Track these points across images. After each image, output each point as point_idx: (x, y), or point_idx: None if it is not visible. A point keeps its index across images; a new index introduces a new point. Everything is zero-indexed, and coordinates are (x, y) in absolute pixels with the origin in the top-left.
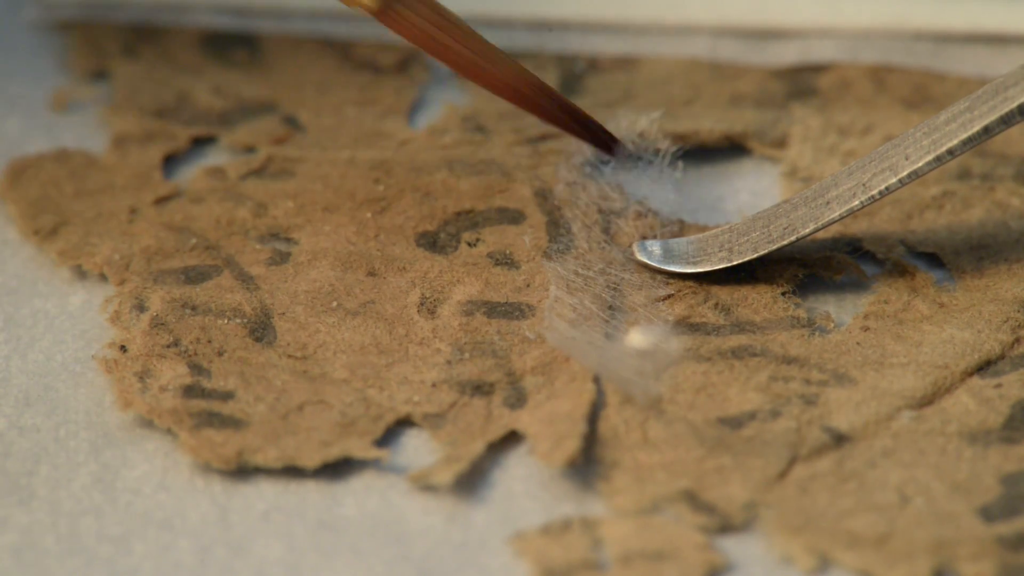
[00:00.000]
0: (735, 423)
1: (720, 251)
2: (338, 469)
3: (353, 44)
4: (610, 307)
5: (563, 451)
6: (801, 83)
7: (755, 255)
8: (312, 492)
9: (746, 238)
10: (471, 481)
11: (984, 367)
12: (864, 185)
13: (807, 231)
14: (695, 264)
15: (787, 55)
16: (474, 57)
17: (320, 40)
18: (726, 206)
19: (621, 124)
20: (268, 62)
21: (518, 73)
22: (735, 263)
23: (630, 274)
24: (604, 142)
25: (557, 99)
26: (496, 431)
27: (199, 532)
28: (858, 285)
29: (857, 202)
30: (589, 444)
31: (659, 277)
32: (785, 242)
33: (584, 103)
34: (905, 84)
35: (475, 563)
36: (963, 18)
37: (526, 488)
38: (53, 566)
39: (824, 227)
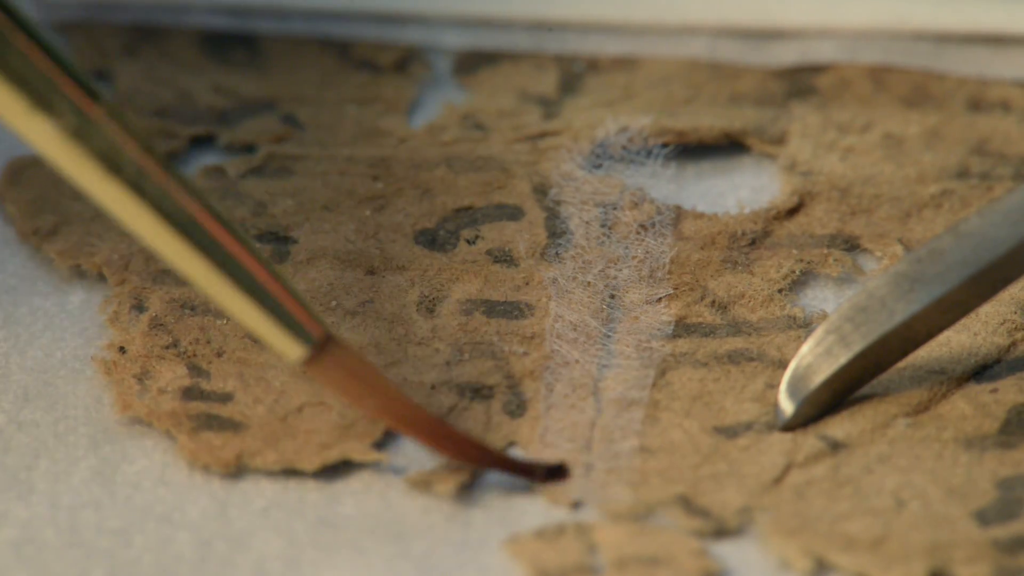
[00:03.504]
0: (731, 432)
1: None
2: (338, 467)
3: (352, 43)
4: (610, 320)
5: (568, 495)
6: (800, 83)
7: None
8: (312, 489)
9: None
10: (470, 481)
11: (980, 371)
12: None
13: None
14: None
15: (787, 55)
16: (398, 417)
17: (319, 39)
18: (726, 201)
19: (611, 128)
20: (267, 61)
21: (446, 432)
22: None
23: (629, 271)
24: (552, 476)
25: (492, 453)
26: (496, 441)
27: (199, 526)
28: (856, 283)
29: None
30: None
31: (657, 275)
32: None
33: (584, 103)
34: (904, 84)
35: (474, 562)
36: (962, 18)
37: (525, 489)
38: (53, 560)
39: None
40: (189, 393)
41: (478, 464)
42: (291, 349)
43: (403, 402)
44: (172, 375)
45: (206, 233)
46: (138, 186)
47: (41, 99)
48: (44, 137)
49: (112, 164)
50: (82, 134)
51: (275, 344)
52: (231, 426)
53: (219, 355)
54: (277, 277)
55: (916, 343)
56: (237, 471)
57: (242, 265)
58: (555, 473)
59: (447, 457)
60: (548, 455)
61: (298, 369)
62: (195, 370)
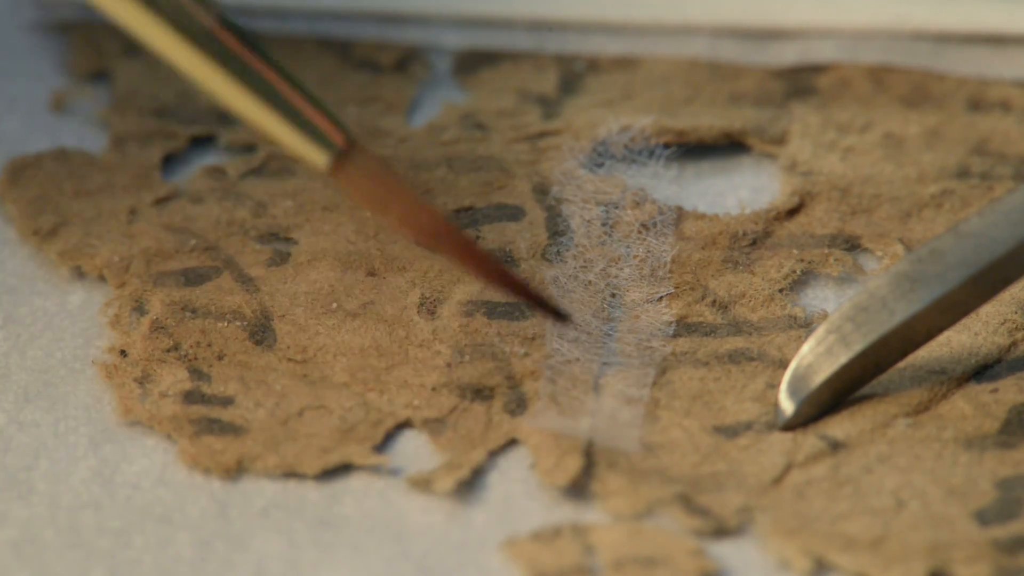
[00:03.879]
0: (731, 432)
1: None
2: (338, 468)
3: (352, 43)
4: (611, 319)
5: (565, 471)
6: (800, 83)
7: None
8: (311, 490)
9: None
10: (470, 481)
11: (981, 371)
12: None
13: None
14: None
15: (786, 55)
16: (421, 225)
17: (319, 39)
18: (726, 201)
19: (612, 128)
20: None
21: (468, 246)
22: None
23: (630, 271)
24: (556, 313)
25: (507, 273)
26: (497, 439)
27: (198, 527)
28: (856, 283)
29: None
30: (590, 460)
31: (659, 274)
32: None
33: (584, 103)
34: (904, 84)
35: (474, 562)
36: (962, 18)
37: (525, 489)
38: (52, 560)
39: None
40: (190, 397)
41: (496, 283)
42: (316, 156)
43: (429, 211)
44: (173, 379)
45: (223, 46)
46: (154, 2)
47: None
48: None
49: None
50: None
51: (300, 152)
52: (232, 430)
53: (220, 358)
54: (298, 87)
55: (916, 343)
56: (238, 475)
57: (262, 76)
58: (560, 316)
59: (468, 272)
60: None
61: (325, 176)
62: (196, 374)
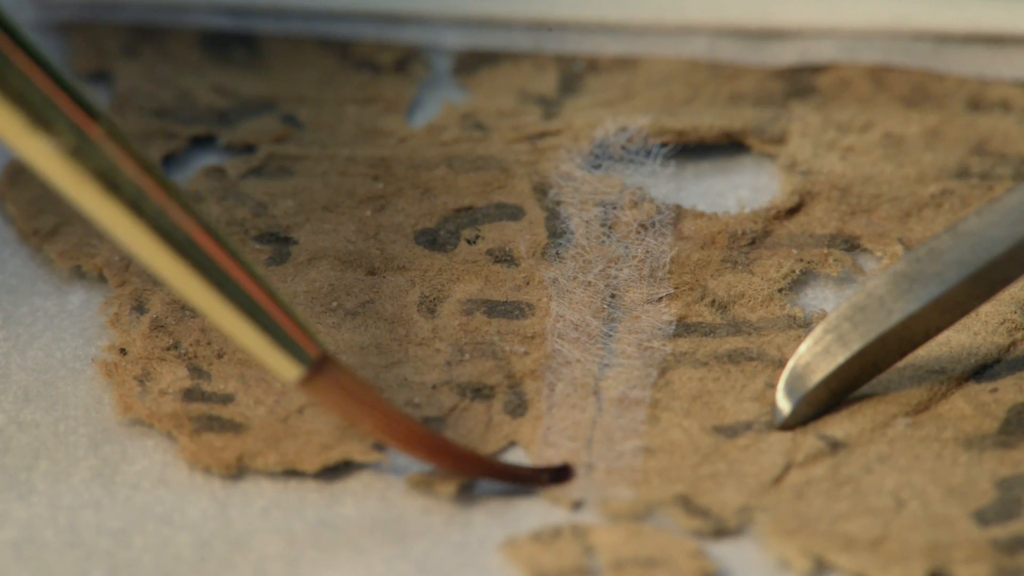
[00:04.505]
0: (730, 432)
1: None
2: (338, 468)
3: (352, 43)
4: (611, 319)
5: (569, 495)
6: (800, 83)
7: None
8: (312, 490)
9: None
10: (471, 481)
11: (980, 371)
12: None
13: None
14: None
15: (786, 55)
16: (395, 434)
17: (319, 39)
18: (726, 201)
19: (610, 128)
20: (267, 61)
21: (444, 448)
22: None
23: (629, 271)
24: (555, 479)
25: (492, 464)
26: (497, 441)
27: (198, 527)
28: (856, 283)
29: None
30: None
31: (658, 274)
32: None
33: (584, 103)
34: (904, 83)
35: (474, 563)
36: (962, 18)
37: (525, 490)
38: (52, 560)
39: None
40: (190, 395)
41: (479, 476)
42: (287, 369)
43: (399, 420)
44: (173, 377)
45: (203, 253)
46: (136, 205)
47: (40, 118)
48: (43, 156)
49: (110, 183)
50: (80, 153)
51: (271, 364)
52: (232, 427)
53: (220, 356)
54: (274, 296)
55: (914, 343)
56: (238, 472)
57: (238, 284)
58: (559, 476)
59: (447, 471)
60: (550, 454)
61: (295, 388)
62: (196, 371)
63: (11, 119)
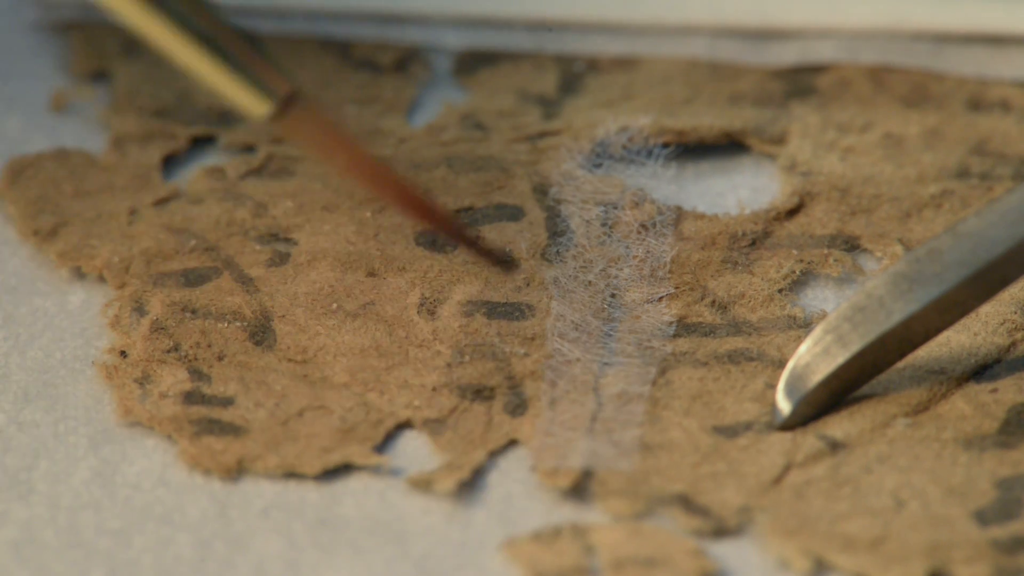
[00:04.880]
0: (730, 432)
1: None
2: (338, 468)
3: (352, 43)
4: (611, 319)
5: (566, 476)
6: (800, 83)
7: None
8: (311, 490)
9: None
10: (471, 481)
11: (980, 371)
12: None
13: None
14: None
15: (786, 55)
16: (366, 172)
17: (319, 39)
18: (726, 201)
19: (611, 128)
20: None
21: (410, 191)
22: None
23: (630, 271)
24: (500, 261)
25: (452, 220)
26: (497, 439)
27: (198, 527)
28: (856, 283)
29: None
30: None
31: (658, 274)
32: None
33: (584, 103)
34: (904, 84)
35: (474, 563)
36: (962, 18)
37: (525, 489)
38: (52, 560)
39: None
40: (190, 397)
41: (440, 229)
42: (256, 105)
43: (371, 158)
44: (173, 379)
45: None
46: None
47: None
48: None
49: None
50: None
51: (241, 102)
52: (232, 430)
53: (220, 359)
54: (241, 36)
55: (914, 343)
56: (238, 476)
57: (204, 24)
58: (505, 263)
59: (411, 218)
60: (550, 445)
61: (266, 125)
62: (196, 374)
63: None
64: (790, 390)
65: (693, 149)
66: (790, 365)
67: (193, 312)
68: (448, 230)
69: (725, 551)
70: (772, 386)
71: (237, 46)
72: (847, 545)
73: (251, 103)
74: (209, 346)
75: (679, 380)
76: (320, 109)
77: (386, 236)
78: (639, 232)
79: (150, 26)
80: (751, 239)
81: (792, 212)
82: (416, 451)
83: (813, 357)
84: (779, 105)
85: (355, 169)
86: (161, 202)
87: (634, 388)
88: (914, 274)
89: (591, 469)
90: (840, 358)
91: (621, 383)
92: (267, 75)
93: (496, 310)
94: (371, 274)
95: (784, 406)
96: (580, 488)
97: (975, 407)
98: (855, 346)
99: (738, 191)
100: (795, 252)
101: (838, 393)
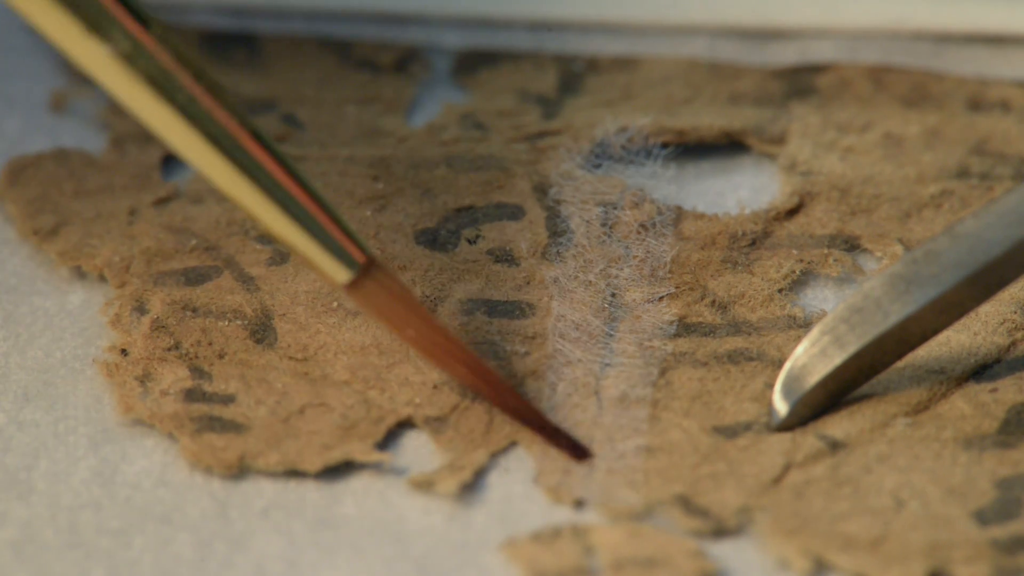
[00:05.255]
0: (730, 432)
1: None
2: (338, 468)
3: (352, 43)
4: (612, 319)
5: (569, 491)
6: (800, 83)
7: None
8: (312, 490)
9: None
10: (471, 481)
11: (980, 371)
12: None
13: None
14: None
15: (786, 55)
16: (435, 347)
17: (319, 39)
18: (726, 201)
19: (610, 128)
20: (267, 61)
21: (480, 369)
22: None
23: (630, 271)
24: (570, 448)
25: (519, 401)
26: (498, 441)
27: (198, 527)
28: (855, 283)
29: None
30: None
31: (659, 274)
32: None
33: (584, 103)
34: (904, 83)
35: (474, 563)
36: (962, 18)
37: (525, 489)
38: (52, 560)
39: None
40: (191, 395)
41: (510, 413)
42: (337, 272)
43: (443, 334)
44: (174, 377)
45: (253, 159)
46: (187, 110)
47: (94, 23)
48: (97, 61)
49: (163, 88)
50: (134, 58)
51: (321, 267)
52: (233, 428)
53: (221, 357)
54: (322, 203)
55: (911, 344)
56: (239, 473)
57: (287, 190)
58: (577, 451)
59: (481, 395)
60: (554, 466)
61: (343, 293)
62: (197, 372)
63: (67, 25)
64: (787, 391)
65: (693, 149)
66: (787, 366)
67: (194, 311)
68: (512, 405)
69: (725, 551)
70: (772, 386)
71: (318, 209)
72: (847, 545)
73: (333, 270)
74: (210, 344)
75: (679, 380)
76: (397, 282)
77: (386, 235)
78: (639, 232)
79: (242, 192)
80: (751, 239)
81: (792, 212)
82: (417, 450)
83: (810, 358)
84: (779, 105)
85: (427, 345)
86: (161, 202)
87: (635, 392)
88: (911, 275)
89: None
90: (837, 359)
91: (622, 385)
92: (346, 242)
93: (496, 309)
94: None
95: (781, 407)
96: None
97: (975, 407)
98: (852, 347)
99: (738, 191)
100: (795, 252)
101: (835, 394)
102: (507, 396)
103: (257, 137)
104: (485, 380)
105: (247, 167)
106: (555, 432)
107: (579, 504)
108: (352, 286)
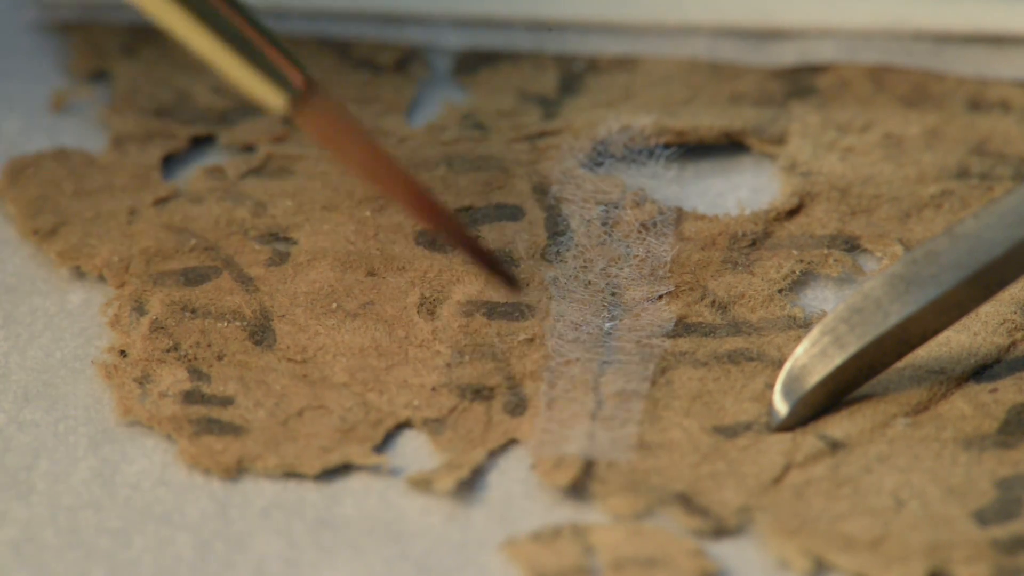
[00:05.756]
0: (730, 432)
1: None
2: (337, 468)
3: (352, 43)
4: (611, 318)
5: (565, 473)
6: (800, 83)
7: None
8: (311, 490)
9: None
10: (470, 481)
11: (980, 371)
12: None
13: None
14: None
15: (786, 55)
16: (379, 171)
17: (319, 39)
18: (726, 201)
19: (612, 127)
20: None
21: (420, 194)
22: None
23: (630, 270)
24: (506, 277)
25: (459, 227)
26: (497, 439)
27: (198, 527)
28: (856, 283)
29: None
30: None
31: (659, 273)
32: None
33: (584, 103)
34: (904, 84)
35: (474, 563)
36: (962, 18)
37: (525, 489)
38: (52, 560)
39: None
40: (190, 397)
41: (443, 232)
42: (273, 98)
43: (386, 158)
44: (173, 379)
45: None
46: None
47: None
48: None
49: None
50: None
51: (258, 94)
52: (232, 430)
53: (220, 359)
54: (259, 28)
55: (911, 345)
56: (238, 475)
57: (222, 15)
58: (512, 282)
59: (416, 218)
60: (548, 440)
61: (281, 117)
62: (196, 374)
63: None
64: (787, 391)
65: (693, 149)
66: (787, 366)
67: (193, 311)
68: (452, 233)
69: (725, 551)
70: (772, 386)
71: (254, 36)
72: (847, 545)
73: (268, 95)
74: (209, 345)
75: (679, 380)
76: (335, 103)
77: (386, 236)
78: (639, 232)
79: (168, 15)
80: (751, 239)
81: (792, 212)
82: (416, 451)
83: (810, 359)
84: (779, 105)
85: (366, 165)
86: (161, 201)
87: (632, 386)
88: (911, 276)
89: (589, 459)
90: (837, 360)
91: (620, 382)
92: (284, 67)
93: (496, 310)
94: (371, 274)
95: (781, 407)
96: (580, 487)
97: (975, 407)
98: (852, 348)
99: (738, 191)
100: (795, 252)
101: (835, 394)
102: (447, 222)
103: None
104: (427, 206)
105: None
106: (493, 261)
107: (576, 483)
108: (292, 112)
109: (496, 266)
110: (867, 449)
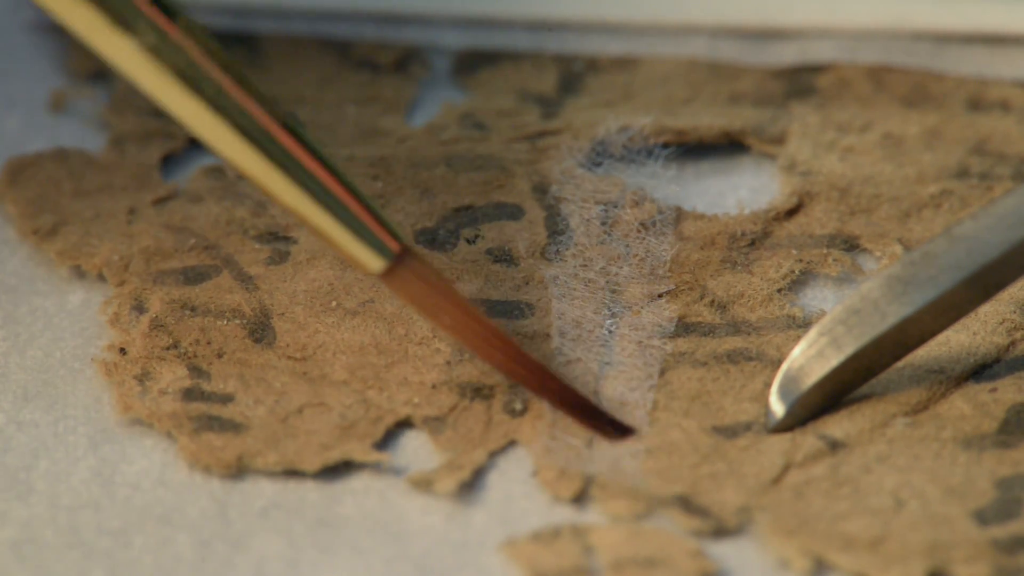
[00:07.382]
0: (730, 432)
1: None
2: (337, 468)
3: (352, 43)
4: (611, 316)
5: (568, 486)
6: (800, 83)
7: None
8: (311, 490)
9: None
10: (470, 481)
11: (979, 371)
12: None
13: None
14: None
15: (786, 55)
16: (472, 334)
17: (319, 39)
18: (726, 201)
19: (611, 127)
20: (267, 61)
21: (517, 355)
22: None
23: (630, 269)
24: (613, 427)
25: (558, 383)
26: (497, 440)
27: (198, 527)
28: (855, 283)
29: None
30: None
31: (658, 272)
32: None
33: (584, 103)
34: (904, 83)
35: (474, 562)
36: (962, 18)
37: (525, 489)
38: (52, 560)
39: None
40: (190, 394)
41: (550, 397)
42: (370, 261)
43: (480, 321)
44: (173, 376)
45: (284, 148)
46: (216, 102)
47: (120, 17)
48: (124, 54)
49: (191, 80)
50: (161, 51)
51: (355, 256)
52: (232, 427)
53: (219, 356)
54: (355, 191)
55: (909, 346)
56: (238, 472)
57: (319, 180)
58: (621, 430)
59: (519, 384)
60: (553, 450)
61: (377, 280)
62: (195, 371)
63: (93, 19)
64: (784, 392)
65: (693, 149)
66: (784, 367)
67: (192, 310)
68: (552, 391)
69: (725, 551)
70: (771, 386)
71: (351, 199)
72: (847, 545)
73: (367, 258)
74: (208, 343)
75: (678, 380)
76: (430, 269)
77: None
78: (639, 231)
79: (269, 176)
80: (751, 239)
81: (792, 212)
82: (416, 449)
83: (807, 360)
84: (779, 105)
85: (459, 329)
86: (160, 201)
87: (635, 395)
88: (909, 277)
89: (593, 475)
90: (834, 361)
91: (621, 386)
92: (380, 231)
93: (496, 308)
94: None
95: (778, 408)
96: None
97: (974, 407)
98: (849, 349)
99: (738, 191)
100: (794, 252)
101: (832, 395)
102: (546, 380)
103: (288, 126)
104: (523, 365)
105: (278, 157)
106: (597, 413)
107: (578, 496)
108: (387, 274)
109: (601, 417)
110: (867, 449)
